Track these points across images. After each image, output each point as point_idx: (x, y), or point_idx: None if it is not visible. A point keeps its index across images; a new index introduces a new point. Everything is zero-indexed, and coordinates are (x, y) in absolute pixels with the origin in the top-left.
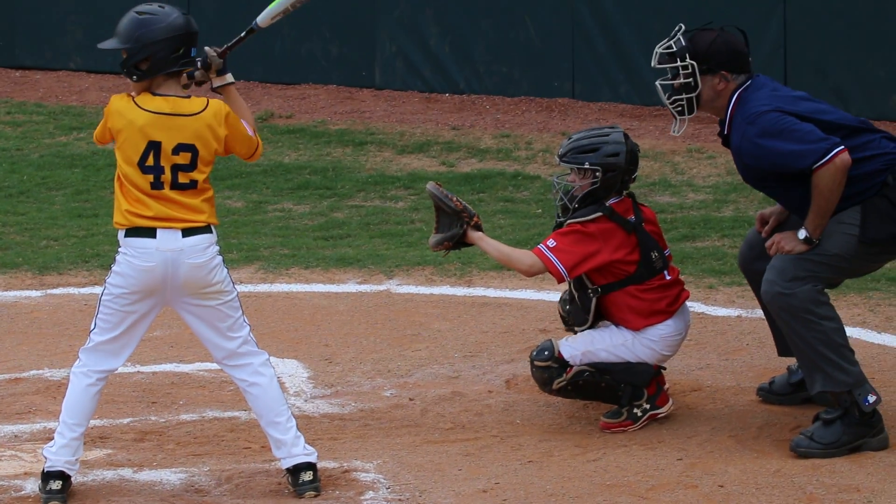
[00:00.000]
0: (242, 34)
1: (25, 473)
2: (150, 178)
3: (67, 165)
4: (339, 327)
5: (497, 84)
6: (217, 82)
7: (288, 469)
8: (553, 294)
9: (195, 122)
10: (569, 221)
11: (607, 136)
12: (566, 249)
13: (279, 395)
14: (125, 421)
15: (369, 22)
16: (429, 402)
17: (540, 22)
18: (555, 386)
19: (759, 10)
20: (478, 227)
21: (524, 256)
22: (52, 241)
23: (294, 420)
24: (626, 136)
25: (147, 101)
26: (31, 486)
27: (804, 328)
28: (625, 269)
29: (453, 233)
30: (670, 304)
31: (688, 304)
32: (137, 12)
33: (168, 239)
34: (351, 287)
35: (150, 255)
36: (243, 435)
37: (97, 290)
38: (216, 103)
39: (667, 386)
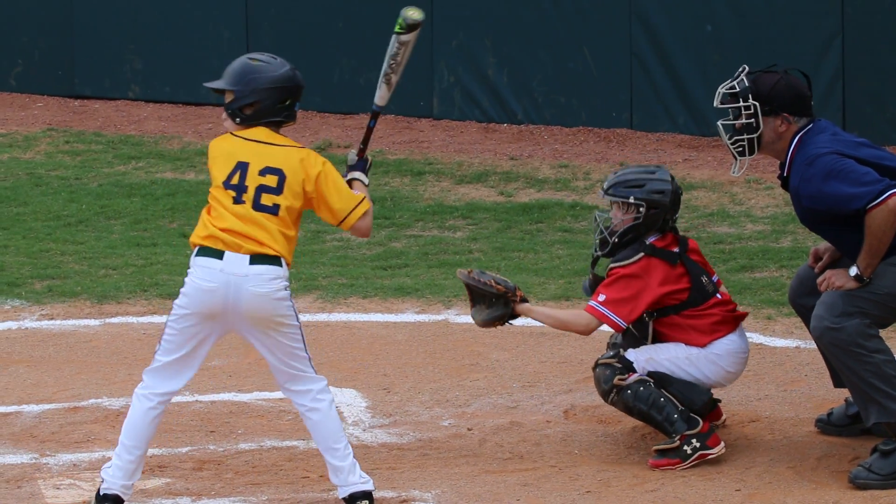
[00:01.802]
0: (370, 123)
1: (84, 502)
2: (233, 193)
3: (126, 194)
4: (398, 357)
5: (555, 114)
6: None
7: (344, 498)
8: None
9: (285, 152)
10: (611, 266)
11: (653, 173)
12: (617, 299)
13: (337, 422)
14: (184, 450)
15: (427, 52)
16: (487, 431)
17: (598, 52)
18: (615, 382)
19: (817, 41)
20: (523, 300)
21: (579, 319)
22: (110, 270)
23: (351, 448)
24: (672, 177)
25: (243, 132)
26: None
27: (855, 362)
28: (678, 297)
29: (502, 313)
30: (730, 318)
31: (747, 334)
32: (250, 58)
33: (234, 262)
34: (409, 317)
35: (214, 276)
36: (301, 464)
37: (155, 319)
38: (313, 154)
39: (722, 419)
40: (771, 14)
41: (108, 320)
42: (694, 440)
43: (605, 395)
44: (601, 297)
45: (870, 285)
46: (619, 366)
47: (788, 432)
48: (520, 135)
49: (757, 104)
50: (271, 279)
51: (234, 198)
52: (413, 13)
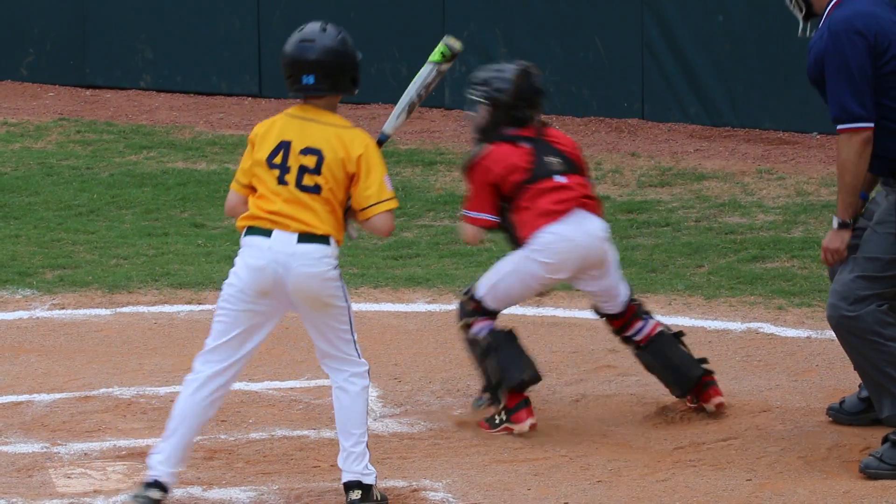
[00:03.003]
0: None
1: (95, 491)
2: (276, 173)
3: (137, 184)
4: (409, 346)
5: (566, 104)
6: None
7: (343, 483)
8: None
9: (328, 131)
10: (463, 166)
11: (501, 71)
12: (472, 196)
13: (363, 409)
14: (195, 439)
15: (438, 42)
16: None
17: (609, 42)
18: (461, 325)
19: None
20: None
21: (462, 232)
22: (121, 259)
23: (367, 438)
24: (525, 73)
25: (294, 109)
26: (101, 503)
27: (871, 350)
28: (519, 176)
29: None
30: (558, 203)
31: (757, 324)
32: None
33: (282, 241)
34: (420, 306)
35: (262, 254)
36: (312, 454)
37: (167, 308)
38: (361, 135)
39: (717, 401)
40: (782, 3)
41: (119, 310)
42: (503, 413)
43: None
44: (466, 204)
45: (865, 259)
46: (470, 307)
47: (799, 422)
48: None
49: None
50: (319, 258)
51: (277, 177)
52: (455, 43)
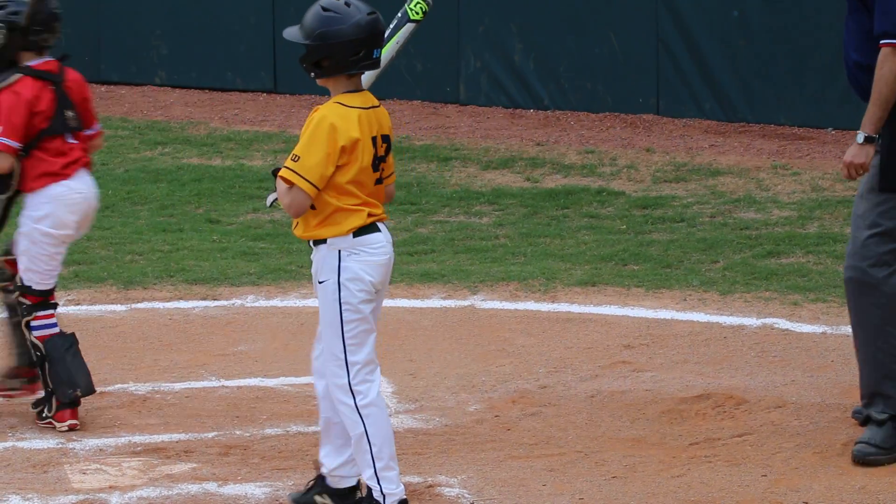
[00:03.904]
0: None
1: (110, 487)
2: (377, 175)
3: (152, 180)
4: (424, 342)
5: (581, 100)
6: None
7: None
8: (637, 310)
9: (383, 113)
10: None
11: None
12: (6, 121)
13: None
14: (210, 435)
15: (454, 38)
16: (513, 417)
17: (624, 38)
18: (22, 323)
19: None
20: None
21: None
22: (136, 255)
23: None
24: None
25: (353, 99)
26: (116, 499)
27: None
28: (40, 122)
29: None
30: (65, 166)
31: (772, 319)
32: (323, 7)
33: (386, 230)
34: (435, 302)
35: (385, 249)
36: None
37: (182, 304)
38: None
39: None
40: None
41: (134, 306)
42: (50, 407)
43: None
44: None
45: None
46: (24, 300)
47: (815, 418)
48: (546, 120)
49: None
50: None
51: (376, 179)
52: None
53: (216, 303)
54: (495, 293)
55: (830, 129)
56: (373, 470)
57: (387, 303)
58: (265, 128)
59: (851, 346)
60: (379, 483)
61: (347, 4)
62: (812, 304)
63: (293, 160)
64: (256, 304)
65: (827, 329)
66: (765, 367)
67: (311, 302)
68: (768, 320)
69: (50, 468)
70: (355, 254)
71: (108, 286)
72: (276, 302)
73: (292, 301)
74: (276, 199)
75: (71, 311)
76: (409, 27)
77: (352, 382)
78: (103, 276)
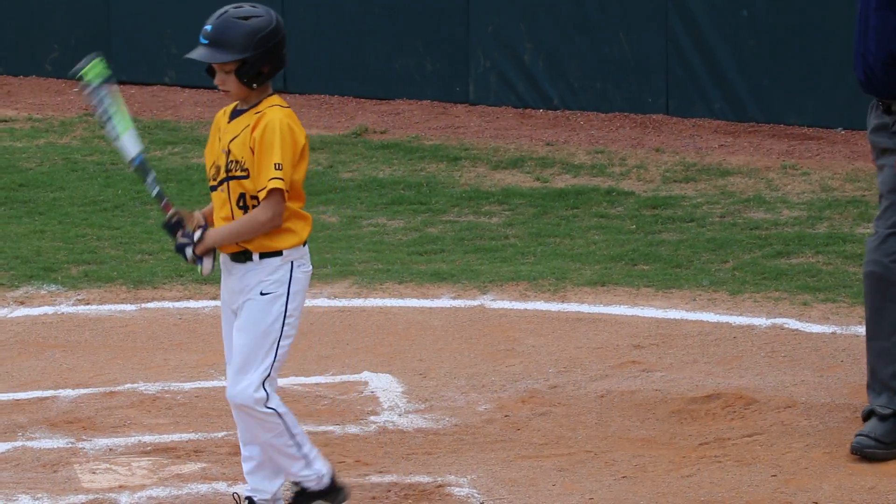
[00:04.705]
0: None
1: (120, 487)
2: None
3: (162, 180)
4: (433, 342)
5: (591, 100)
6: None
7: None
8: (647, 310)
9: None
10: None
11: None
12: None
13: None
14: (220, 435)
15: (463, 37)
16: (523, 417)
17: (634, 38)
18: None
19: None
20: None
21: None
22: (146, 255)
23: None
24: None
25: (282, 99)
26: (126, 499)
27: None
28: None
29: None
30: None
31: (782, 319)
32: (241, 17)
33: None
34: (445, 302)
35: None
36: (338, 449)
37: (191, 304)
38: None
39: None
40: None
41: (144, 305)
42: None
43: None
44: None
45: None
46: None
47: (825, 418)
48: (556, 120)
49: None
50: None
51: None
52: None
53: None
54: (505, 293)
55: (840, 128)
56: (303, 461)
57: (397, 302)
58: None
59: (861, 346)
60: (314, 467)
61: (254, 6)
62: (822, 304)
63: (277, 168)
64: None
65: (837, 329)
66: (774, 367)
67: (320, 302)
68: (778, 320)
69: (59, 468)
70: (303, 264)
71: (118, 286)
72: None
73: None
74: (214, 260)
75: (81, 310)
76: (107, 90)
77: (267, 387)
78: (113, 276)
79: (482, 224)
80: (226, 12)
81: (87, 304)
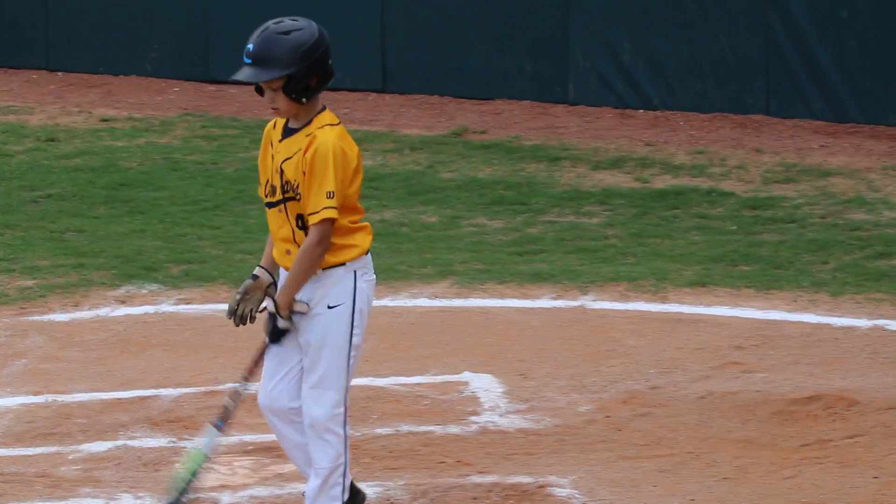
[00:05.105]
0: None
1: (221, 486)
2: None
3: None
4: (534, 342)
5: (691, 100)
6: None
7: None
8: (747, 311)
9: None
10: None
11: None
12: None
13: None
14: None
15: (563, 38)
16: (623, 417)
17: (734, 38)
18: None
19: None
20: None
21: None
22: (247, 254)
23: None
24: None
25: (332, 116)
26: (227, 498)
27: None
28: None
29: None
30: None
31: (884, 321)
32: (282, 32)
33: None
34: (545, 302)
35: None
36: (438, 449)
37: None
38: None
39: None
40: None
41: None
42: None
43: None
44: None
45: None
46: None
47: None
48: (655, 121)
49: None
50: None
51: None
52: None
53: None
54: (605, 293)
55: None
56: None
57: (497, 303)
58: (375, 127)
59: None
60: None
61: (294, 20)
62: None
63: (329, 197)
64: None
65: None
66: (876, 369)
67: (421, 301)
68: (879, 321)
69: (161, 467)
70: (367, 273)
71: (219, 285)
72: (385, 302)
73: (402, 301)
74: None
75: (182, 310)
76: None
77: (344, 404)
78: (214, 276)
79: (582, 224)
80: (266, 29)
81: (188, 303)
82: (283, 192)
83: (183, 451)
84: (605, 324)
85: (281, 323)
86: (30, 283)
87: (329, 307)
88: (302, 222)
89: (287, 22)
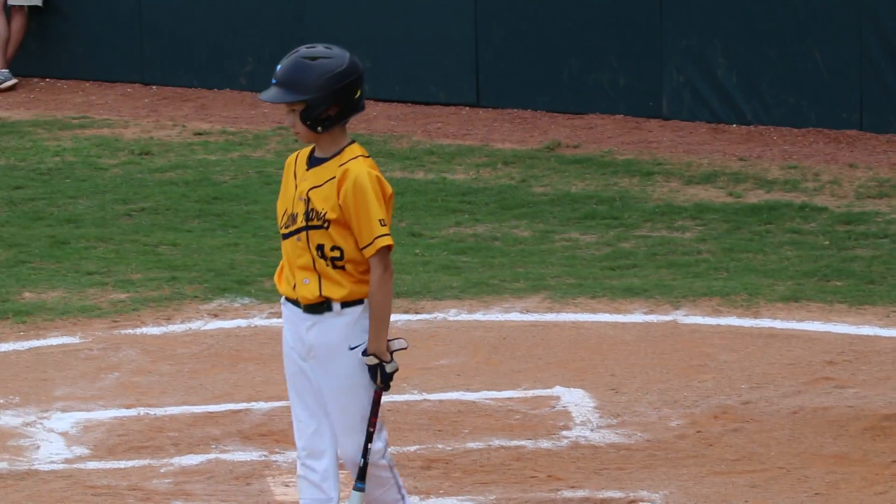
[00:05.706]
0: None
1: None
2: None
3: None
4: (626, 357)
5: (784, 115)
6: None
7: None
8: (840, 326)
9: None
10: None
11: None
12: None
13: None
14: (412, 449)
15: (656, 52)
16: (715, 432)
17: (828, 52)
18: None
19: None
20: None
21: None
22: None
23: None
24: None
25: (361, 148)
26: None
27: None
28: None
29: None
30: None
31: None
32: (309, 57)
33: None
34: (637, 317)
35: None
36: (530, 464)
37: None
38: None
39: None
40: None
41: None
42: None
43: None
44: None
45: None
46: None
47: None
48: (749, 135)
49: None
50: None
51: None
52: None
53: (418, 316)
54: (698, 308)
55: None
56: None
57: (589, 317)
58: (468, 141)
59: None
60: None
61: (328, 47)
62: None
63: (382, 225)
64: (458, 318)
65: None
66: None
67: (512, 316)
68: None
69: (253, 480)
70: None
71: None
72: (478, 316)
73: (494, 315)
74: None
75: (274, 323)
76: None
77: (382, 440)
78: None
79: (675, 239)
80: (297, 52)
81: (281, 317)
82: (307, 219)
83: (274, 465)
84: (697, 339)
85: (390, 367)
86: (123, 296)
87: (350, 348)
88: (322, 252)
89: (320, 48)
